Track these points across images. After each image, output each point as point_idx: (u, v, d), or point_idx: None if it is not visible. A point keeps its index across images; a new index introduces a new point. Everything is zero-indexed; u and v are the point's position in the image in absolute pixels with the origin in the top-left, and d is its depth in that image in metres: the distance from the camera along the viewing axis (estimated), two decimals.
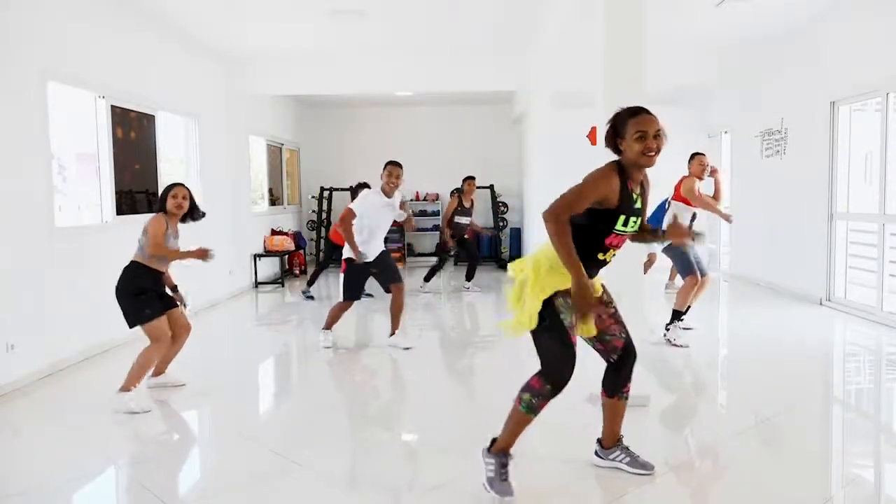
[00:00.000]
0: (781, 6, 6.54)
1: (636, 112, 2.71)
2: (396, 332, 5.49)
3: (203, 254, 4.27)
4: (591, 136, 4.34)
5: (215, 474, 3.27)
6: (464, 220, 8.55)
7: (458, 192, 8.59)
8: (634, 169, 2.71)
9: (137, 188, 6.26)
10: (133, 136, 6.20)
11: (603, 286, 2.90)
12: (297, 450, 3.35)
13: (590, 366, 4.05)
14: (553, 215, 2.57)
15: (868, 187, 6.75)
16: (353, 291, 5.53)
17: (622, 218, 2.67)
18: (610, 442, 3.01)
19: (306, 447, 3.41)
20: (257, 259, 9.26)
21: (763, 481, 2.92)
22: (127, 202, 6.08)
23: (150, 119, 6.54)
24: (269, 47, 8.18)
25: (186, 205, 4.36)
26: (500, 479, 2.74)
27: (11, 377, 4.43)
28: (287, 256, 9.98)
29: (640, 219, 2.77)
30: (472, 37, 7.87)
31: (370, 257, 5.39)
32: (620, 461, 2.98)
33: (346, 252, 5.40)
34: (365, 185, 7.53)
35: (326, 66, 8.70)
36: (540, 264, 2.69)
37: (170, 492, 2.94)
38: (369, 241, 5.40)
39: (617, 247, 2.78)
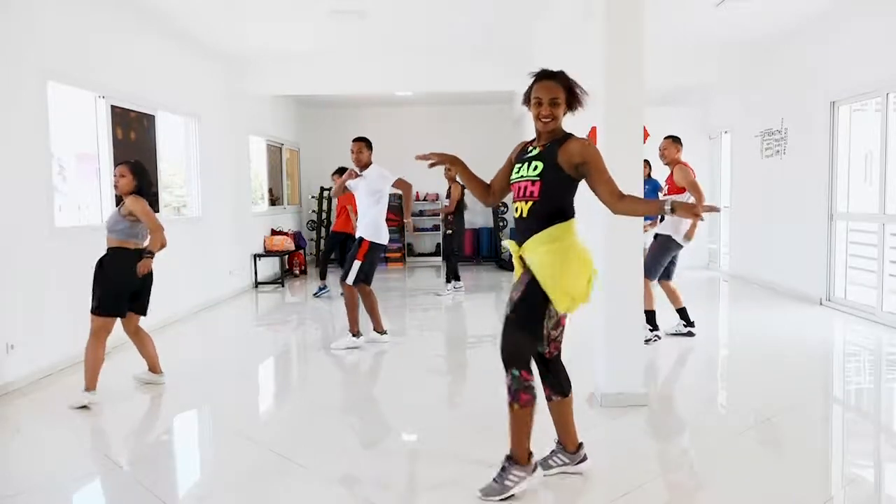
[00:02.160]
0: (781, 6, 6.55)
1: (538, 78, 2.80)
2: (354, 329, 5.54)
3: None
4: (591, 136, 4.35)
5: (215, 474, 3.27)
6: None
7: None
8: (541, 133, 2.82)
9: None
10: (133, 136, 6.20)
11: (523, 277, 2.76)
12: (297, 450, 3.35)
13: (590, 366, 4.06)
14: None
15: (868, 187, 6.75)
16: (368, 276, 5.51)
17: (516, 167, 2.87)
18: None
19: (306, 447, 3.41)
20: (257, 259, 9.27)
21: (763, 481, 2.92)
22: None
23: (150, 119, 6.54)
24: (269, 47, 8.18)
25: (122, 182, 4.20)
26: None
27: (11, 377, 4.43)
28: (287, 256, 9.98)
29: (525, 165, 2.79)
30: (472, 37, 7.87)
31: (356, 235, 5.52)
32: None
33: (366, 232, 5.39)
34: (344, 169, 7.87)
35: (326, 66, 8.70)
36: None
37: (170, 492, 2.94)
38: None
39: (518, 198, 2.81)
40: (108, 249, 4.19)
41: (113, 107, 5.81)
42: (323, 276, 8.42)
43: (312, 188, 11.88)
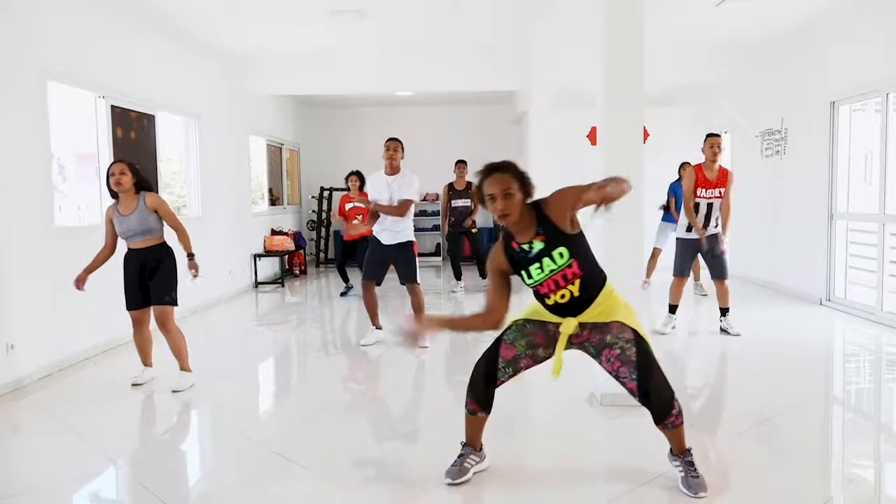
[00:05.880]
0: (781, 6, 6.54)
1: (486, 173, 2.68)
2: None
3: (77, 282, 4.29)
4: (591, 136, 4.34)
5: (215, 474, 3.27)
6: (460, 202, 8.48)
7: (448, 184, 8.62)
8: (512, 228, 2.69)
9: None
10: (133, 136, 6.20)
11: (615, 325, 2.72)
12: (297, 450, 3.35)
13: (590, 366, 4.06)
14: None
15: (868, 187, 6.75)
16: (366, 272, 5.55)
17: (523, 274, 2.72)
18: (675, 451, 2.87)
19: (306, 447, 3.41)
20: (257, 259, 9.27)
21: (763, 481, 2.92)
22: None
23: (150, 119, 6.53)
24: (269, 47, 8.18)
25: (125, 179, 4.24)
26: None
27: (11, 377, 4.43)
28: (287, 256, 9.98)
29: (544, 261, 2.66)
30: (472, 37, 7.87)
31: (384, 242, 5.41)
32: (678, 471, 2.87)
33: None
34: (356, 173, 7.93)
35: (326, 66, 8.70)
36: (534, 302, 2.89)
37: (170, 492, 2.94)
38: (379, 225, 5.42)
39: (556, 290, 2.69)
40: (150, 248, 4.30)
41: (113, 107, 5.81)
42: (346, 280, 8.35)
43: (312, 188, 11.88)
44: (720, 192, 5.58)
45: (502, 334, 2.84)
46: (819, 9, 6.61)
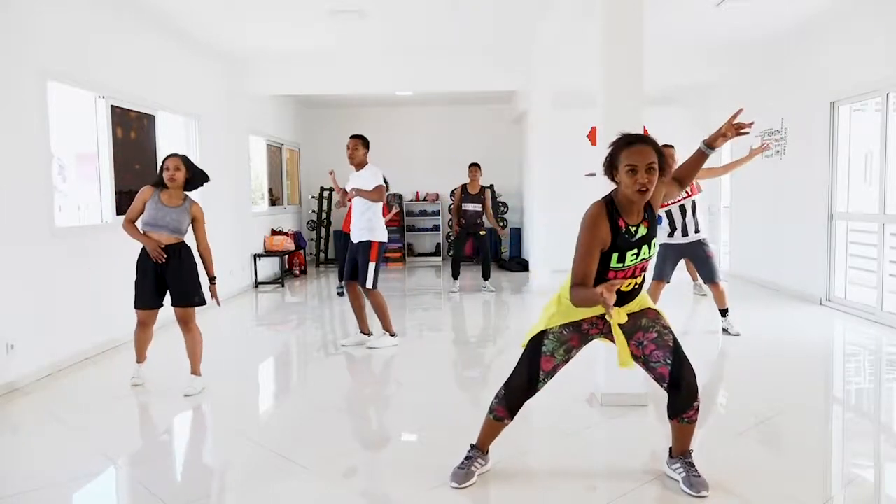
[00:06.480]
0: (781, 6, 6.55)
1: (630, 142, 2.55)
2: (390, 329, 5.52)
3: (153, 247, 4.17)
4: (591, 135, 4.35)
5: (215, 474, 3.26)
6: (471, 206, 8.44)
7: (462, 185, 8.59)
8: (630, 203, 2.58)
9: (137, 188, 6.22)
10: (133, 136, 6.20)
11: (651, 312, 2.79)
12: (297, 450, 3.35)
13: (590, 366, 4.06)
14: (574, 288, 2.55)
15: (868, 187, 6.75)
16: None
17: (615, 256, 2.60)
18: (677, 452, 2.88)
19: (306, 447, 3.41)
20: (257, 259, 9.27)
21: (763, 481, 2.92)
22: (127, 202, 6.02)
23: (150, 119, 6.53)
24: (269, 47, 8.18)
25: (180, 175, 4.24)
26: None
27: (11, 377, 4.43)
28: (287, 256, 9.99)
29: (642, 248, 2.63)
30: (472, 37, 7.87)
31: (353, 239, 5.44)
32: (678, 474, 2.85)
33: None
34: None
35: (326, 66, 8.70)
36: (561, 299, 2.78)
37: (170, 492, 2.94)
38: (352, 222, 5.49)
39: (630, 278, 2.68)
40: (172, 246, 4.24)
41: (113, 107, 5.81)
42: (340, 279, 8.37)
43: (312, 188, 11.88)
44: (687, 193, 5.63)
45: (541, 346, 2.77)
46: (819, 9, 6.62)
